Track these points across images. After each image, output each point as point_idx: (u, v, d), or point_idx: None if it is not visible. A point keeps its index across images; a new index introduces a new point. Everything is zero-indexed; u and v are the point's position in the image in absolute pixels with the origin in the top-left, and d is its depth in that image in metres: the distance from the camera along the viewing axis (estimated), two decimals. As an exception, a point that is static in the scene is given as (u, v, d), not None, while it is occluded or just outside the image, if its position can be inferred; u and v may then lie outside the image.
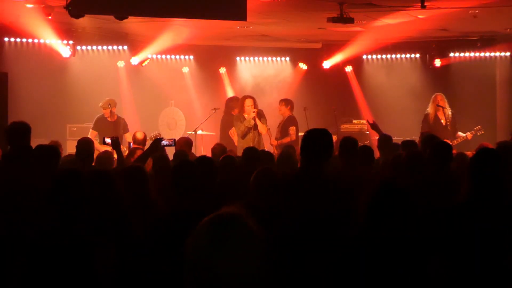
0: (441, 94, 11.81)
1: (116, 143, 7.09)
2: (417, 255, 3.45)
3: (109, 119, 11.50)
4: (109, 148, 7.89)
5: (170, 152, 8.00)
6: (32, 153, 5.62)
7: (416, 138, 9.60)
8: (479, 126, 11.55)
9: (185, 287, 2.02)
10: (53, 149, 5.78)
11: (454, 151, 9.17)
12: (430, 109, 11.68)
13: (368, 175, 6.13)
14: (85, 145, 7.53)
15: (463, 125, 12.02)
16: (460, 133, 11.49)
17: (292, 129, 11.81)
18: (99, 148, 9.78)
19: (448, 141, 10.77)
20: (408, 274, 3.41)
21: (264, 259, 2.06)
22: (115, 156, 7.67)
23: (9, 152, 5.95)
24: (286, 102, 12.16)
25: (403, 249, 3.44)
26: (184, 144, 8.31)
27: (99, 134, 11.26)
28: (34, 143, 6.20)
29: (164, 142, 7.26)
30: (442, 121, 11.53)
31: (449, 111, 11.53)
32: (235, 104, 12.20)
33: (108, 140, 7.38)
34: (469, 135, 11.41)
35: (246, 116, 11.22)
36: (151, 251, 4.18)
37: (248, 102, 11.29)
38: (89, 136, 11.15)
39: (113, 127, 11.41)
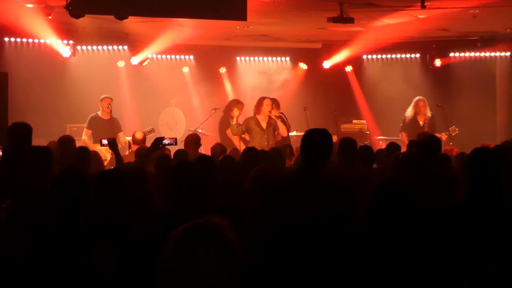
0: (422, 99, 12.14)
1: (113, 144, 7.08)
2: (417, 255, 3.45)
3: (103, 117, 11.52)
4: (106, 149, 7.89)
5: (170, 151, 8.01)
6: (25, 154, 5.63)
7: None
8: (454, 126, 11.79)
9: None
10: (45, 150, 5.78)
11: (456, 150, 9.24)
12: (410, 111, 12.12)
13: (368, 175, 6.14)
14: (69, 143, 7.48)
15: (462, 125, 12.06)
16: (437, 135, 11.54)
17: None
18: (92, 147, 9.78)
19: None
20: (408, 274, 3.42)
21: (239, 270, 2.02)
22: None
23: (7, 152, 5.95)
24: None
25: (404, 249, 3.44)
26: (193, 143, 8.32)
27: (94, 133, 11.29)
28: (34, 143, 6.22)
29: (165, 141, 7.25)
30: (420, 122, 11.93)
31: (428, 113, 11.86)
32: (233, 106, 12.23)
33: (105, 141, 7.34)
34: (443, 135, 11.49)
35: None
36: (150, 251, 4.18)
37: (267, 102, 11.26)
38: (83, 135, 11.21)
39: (108, 125, 11.41)
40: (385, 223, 3.48)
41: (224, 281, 2.00)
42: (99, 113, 11.55)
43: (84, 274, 4.01)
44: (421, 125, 11.94)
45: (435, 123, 12.02)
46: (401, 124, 12.29)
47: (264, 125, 11.08)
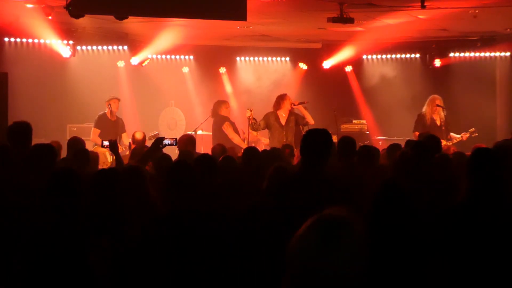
0: (438, 96, 11.61)
1: (114, 146, 7.08)
2: (418, 255, 3.45)
3: (110, 117, 11.51)
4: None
5: (171, 151, 8.00)
6: (29, 152, 5.64)
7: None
8: (473, 129, 11.41)
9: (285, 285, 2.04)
10: (49, 147, 5.79)
11: (453, 149, 9.21)
12: (426, 110, 11.43)
13: (368, 175, 6.13)
14: (77, 144, 7.50)
15: (463, 125, 12.01)
16: (453, 134, 11.33)
17: None
18: (92, 148, 9.80)
19: (444, 141, 10.75)
20: (409, 274, 3.42)
21: (367, 262, 2.10)
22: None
23: (7, 151, 5.95)
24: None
25: (406, 249, 3.44)
26: (188, 142, 8.29)
27: (102, 132, 11.28)
28: (34, 143, 6.20)
29: (166, 142, 7.24)
30: (437, 122, 11.36)
31: (443, 112, 11.38)
32: (219, 107, 12.12)
33: (106, 143, 7.34)
34: (464, 135, 11.32)
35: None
36: (147, 251, 4.18)
37: (289, 98, 11.28)
38: (92, 135, 11.21)
39: (113, 126, 11.42)
40: (386, 223, 3.48)
41: (355, 272, 2.07)
42: (106, 112, 11.56)
43: (80, 272, 4.02)
44: (438, 125, 11.26)
45: (449, 122, 11.42)
46: (414, 125, 11.48)
47: (283, 121, 11.10)
